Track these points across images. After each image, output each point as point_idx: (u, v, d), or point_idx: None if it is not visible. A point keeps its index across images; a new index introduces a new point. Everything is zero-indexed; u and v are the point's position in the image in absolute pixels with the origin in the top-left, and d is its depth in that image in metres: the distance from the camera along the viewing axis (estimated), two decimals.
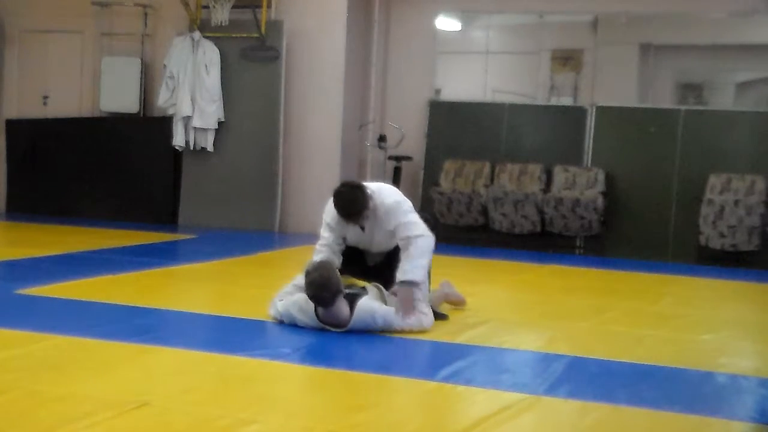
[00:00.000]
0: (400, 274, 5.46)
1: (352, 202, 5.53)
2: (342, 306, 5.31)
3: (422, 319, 5.46)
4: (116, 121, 11.79)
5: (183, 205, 11.32)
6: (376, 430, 3.75)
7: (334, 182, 10.28)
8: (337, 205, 5.57)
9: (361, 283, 5.73)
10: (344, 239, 5.73)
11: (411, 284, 5.44)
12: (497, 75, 11.73)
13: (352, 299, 5.37)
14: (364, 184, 5.69)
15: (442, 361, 4.88)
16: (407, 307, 5.40)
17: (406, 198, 5.82)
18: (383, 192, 5.72)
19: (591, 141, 10.76)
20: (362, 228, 5.65)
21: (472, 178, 10.95)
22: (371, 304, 5.39)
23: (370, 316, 5.33)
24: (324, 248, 5.66)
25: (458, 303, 6.29)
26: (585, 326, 6.08)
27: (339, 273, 5.37)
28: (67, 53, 12.12)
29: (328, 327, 5.34)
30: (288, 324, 5.45)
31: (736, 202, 9.82)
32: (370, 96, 11.56)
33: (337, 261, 5.64)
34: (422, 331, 5.41)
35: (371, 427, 3.76)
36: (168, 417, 3.68)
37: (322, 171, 10.92)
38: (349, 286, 5.56)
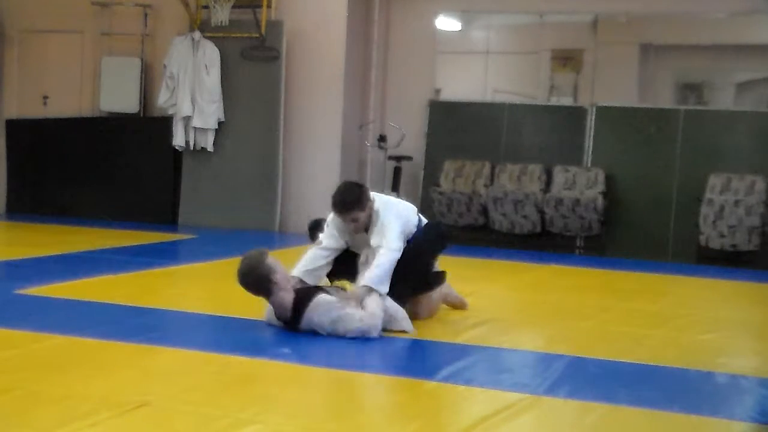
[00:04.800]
0: (362, 279, 5.37)
1: (345, 194, 5.54)
2: (282, 295, 5.16)
3: (371, 317, 5.20)
4: (116, 121, 11.78)
5: (183, 205, 11.31)
6: (377, 430, 3.75)
7: (334, 182, 10.28)
8: (333, 196, 5.58)
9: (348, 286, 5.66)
10: (347, 244, 5.72)
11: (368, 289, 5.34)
12: (497, 75, 11.73)
13: (310, 294, 5.22)
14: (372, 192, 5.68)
15: (442, 361, 4.88)
16: (355, 300, 5.28)
17: (406, 215, 5.76)
18: (389, 204, 5.70)
19: (591, 141, 10.76)
20: (366, 231, 5.64)
21: (472, 178, 10.95)
22: (327, 298, 5.21)
23: (325, 310, 5.14)
24: (313, 250, 5.66)
25: (459, 306, 6.28)
26: (585, 326, 6.08)
27: (272, 262, 5.16)
28: (67, 53, 12.12)
29: (280, 323, 5.23)
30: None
31: (736, 202, 9.82)
32: (370, 96, 11.56)
33: (325, 266, 5.64)
34: (366, 332, 5.15)
35: (371, 427, 3.76)
36: (168, 417, 3.68)
37: (322, 171, 10.92)
38: (320, 288, 5.44)
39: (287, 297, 5.20)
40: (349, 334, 5.12)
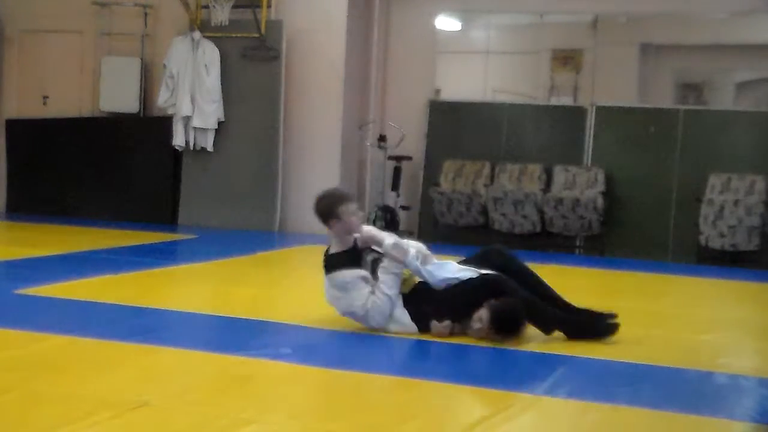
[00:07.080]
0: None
1: None
2: (345, 237, 5.32)
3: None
4: (116, 121, 11.78)
5: (183, 205, 11.31)
6: (377, 430, 3.74)
7: (334, 182, 10.35)
8: None
9: None
10: None
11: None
12: (497, 75, 11.75)
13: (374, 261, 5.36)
14: None
15: (443, 362, 4.88)
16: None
17: None
18: None
19: (591, 141, 10.76)
20: None
21: (472, 178, 10.95)
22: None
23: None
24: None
25: None
26: None
27: (347, 196, 5.41)
28: (67, 53, 12.11)
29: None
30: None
31: (736, 202, 9.82)
32: (370, 96, 11.56)
33: None
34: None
35: (371, 428, 3.76)
36: (168, 417, 3.68)
37: (322, 171, 10.91)
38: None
39: (349, 240, 5.34)
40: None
